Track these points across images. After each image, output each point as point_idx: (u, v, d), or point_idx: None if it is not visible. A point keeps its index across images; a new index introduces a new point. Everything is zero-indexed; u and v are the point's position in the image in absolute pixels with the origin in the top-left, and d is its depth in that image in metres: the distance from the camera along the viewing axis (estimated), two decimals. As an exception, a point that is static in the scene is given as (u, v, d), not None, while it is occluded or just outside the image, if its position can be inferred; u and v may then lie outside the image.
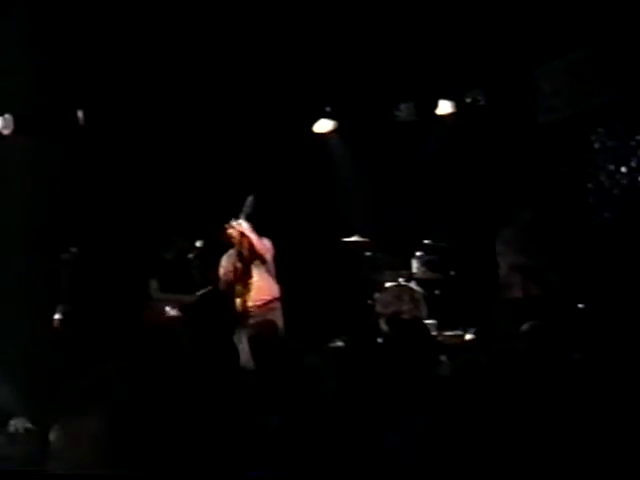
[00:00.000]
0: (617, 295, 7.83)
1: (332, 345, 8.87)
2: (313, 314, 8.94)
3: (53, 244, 8.31)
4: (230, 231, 8.14)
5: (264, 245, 8.09)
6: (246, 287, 8.07)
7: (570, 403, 5.78)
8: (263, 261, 8.09)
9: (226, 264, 8.22)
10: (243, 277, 8.10)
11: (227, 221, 8.14)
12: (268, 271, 8.15)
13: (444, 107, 9.61)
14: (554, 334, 7.40)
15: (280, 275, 8.34)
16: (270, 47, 8.89)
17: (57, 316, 8.21)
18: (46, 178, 8.53)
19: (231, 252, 8.22)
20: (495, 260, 8.33)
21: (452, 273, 8.99)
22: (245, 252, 8.10)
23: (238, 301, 8.10)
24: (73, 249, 8.25)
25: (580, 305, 7.85)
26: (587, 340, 6.73)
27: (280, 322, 7.63)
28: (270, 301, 8.11)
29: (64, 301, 8.23)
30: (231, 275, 8.12)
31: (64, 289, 8.24)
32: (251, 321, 7.67)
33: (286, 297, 8.41)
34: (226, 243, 8.23)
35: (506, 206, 8.98)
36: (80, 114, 8.63)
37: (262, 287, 8.09)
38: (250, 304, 8.05)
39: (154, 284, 8.57)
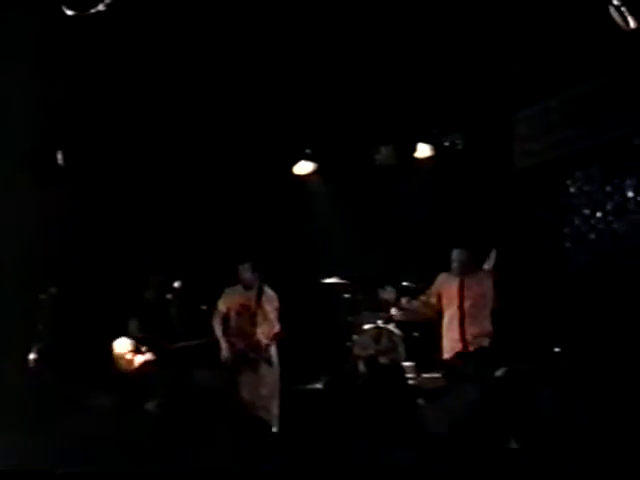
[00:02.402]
0: (593, 338, 7.87)
1: (310, 387, 8.87)
2: (291, 356, 8.91)
3: (32, 284, 8.28)
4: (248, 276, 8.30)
5: (269, 298, 8.31)
6: (252, 326, 8.25)
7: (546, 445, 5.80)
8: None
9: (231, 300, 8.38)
10: (250, 317, 8.27)
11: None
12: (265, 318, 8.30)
13: (423, 150, 9.72)
14: (529, 379, 7.46)
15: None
16: (251, 89, 8.96)
17: (32, 355, 8.15)
18: (23, 216, 8.52)
19: (236, 288, 8.36)
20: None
21: (431, 315, 9.01)
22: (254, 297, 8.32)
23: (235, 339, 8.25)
24: (52, 289, 8.23)
25: (556, 349, 7.89)
26: (564, 384, 6.76)
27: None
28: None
29: (40, 340, 8.17)
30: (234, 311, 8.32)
31: (41, 328, 8.19)
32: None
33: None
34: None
35: (482, 248, 9.05)
36: (59, 155, 8.66)
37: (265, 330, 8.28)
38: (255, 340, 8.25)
39: (134, 324, 8.53)
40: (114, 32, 7.49)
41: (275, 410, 8.10)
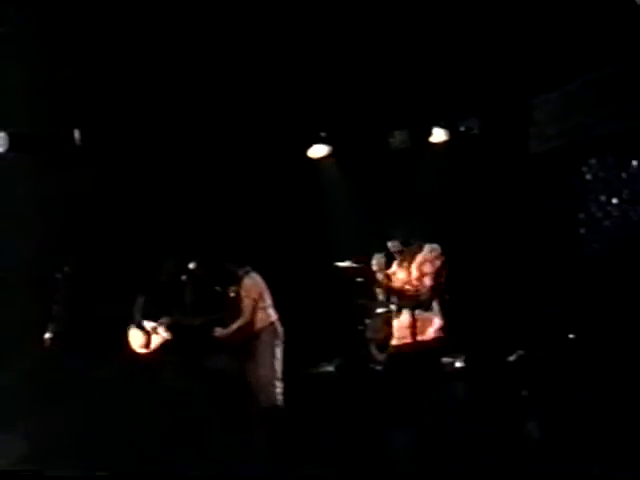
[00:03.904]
0: (608, 325, 7.87)
1: (323, 370, 8.90)
2: (304, 339, 8.94)
3: (47, 262, 8.32)
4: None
5: (246, 287, 8.25)
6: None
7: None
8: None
9: None
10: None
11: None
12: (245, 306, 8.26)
13: (438, 135, 9.68)
14: (541, 364, 7.47)
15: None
16: (266, 73, 8.95)
17: (48, 335, 8.19)
18: (40, 196, 8.55)
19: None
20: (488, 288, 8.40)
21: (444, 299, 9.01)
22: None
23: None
24: (66, 268, 8.25)
25: (571, 335, 7.89)
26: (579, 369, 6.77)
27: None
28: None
29: (55, 320, 8.20)
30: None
31: (56, 307, 8.22)
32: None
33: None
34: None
35: (498, 234, 9.05)
36: (77, 133, 8.67)
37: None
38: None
39: (140, 301, 8.56)
40: (132, 12, 7.50)
41: (277, 395, 8.11)
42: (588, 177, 8.82)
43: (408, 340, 7.05)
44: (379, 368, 7.46)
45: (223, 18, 8.23)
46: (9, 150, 8.57)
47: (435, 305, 7.09)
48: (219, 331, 8.18)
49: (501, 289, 8.80)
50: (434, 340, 6.97)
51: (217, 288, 8.43)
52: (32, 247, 8.38)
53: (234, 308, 8.22)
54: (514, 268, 8.78)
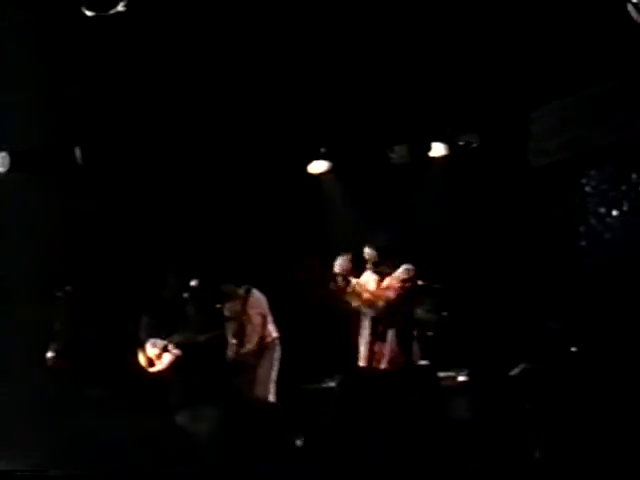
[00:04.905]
0: (610, 337, 7.87)
1: (324, 385, 8.89)
2: (306, 355, 8.94)
3: (48, 282, 8.33)
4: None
5: (253, 303, 8.29)
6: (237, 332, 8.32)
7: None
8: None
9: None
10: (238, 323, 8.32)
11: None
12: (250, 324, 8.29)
13: (437, 150, 9.70)
14: (544, 377, 7.46)
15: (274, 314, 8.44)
16: (266, 88, 8.99)
17: (50, 354, 8.19)
18: (41, 215, 8.57)
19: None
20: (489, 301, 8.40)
21: (445, 314, 9.01)
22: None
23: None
24: (67, 287, 8.26)
25: (573, 348, 7.89)
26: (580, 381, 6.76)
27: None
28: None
29: (57, 338, 8.21)
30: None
31: (57, 326, 8.22)
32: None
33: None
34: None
35: (498, 248, 9.05)
36: (77, 152, 8.69)
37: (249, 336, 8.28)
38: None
39: (145, 321, 8.55)
40: (133, 30, 7.52)
41: (272, 411, 8.13)
42: (588, 190, 8.84)
43: (364, 364, 7.18)
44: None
45: (225, 36, 8.27)
46: (10, 170, 8.61)
47: (391, 336, 6.99)
48: (237, 350, 8.18)
49: (503, 303, 8.80)
50: (385, 372, 6.98)
51: (218, 305, 8.45)
52: (34, 265, 8.39)
53: (241, 327, 8.24)
54: (515, 282, 8.78)
